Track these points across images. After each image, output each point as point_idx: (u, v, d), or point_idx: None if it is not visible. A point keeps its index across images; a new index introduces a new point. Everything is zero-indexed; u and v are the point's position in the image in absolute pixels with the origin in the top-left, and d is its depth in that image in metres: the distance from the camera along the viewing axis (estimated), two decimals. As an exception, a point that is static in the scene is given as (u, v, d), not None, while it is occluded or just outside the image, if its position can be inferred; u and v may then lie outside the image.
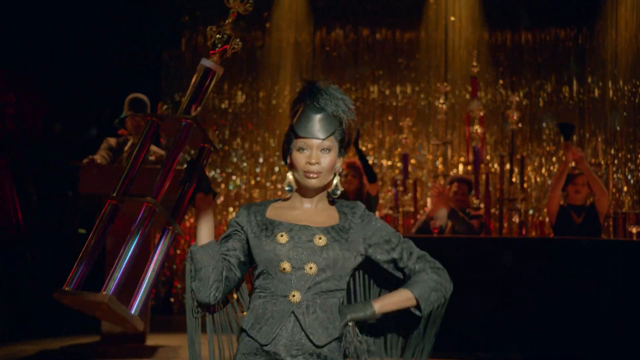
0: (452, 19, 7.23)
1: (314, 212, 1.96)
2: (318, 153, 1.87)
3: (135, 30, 6.72)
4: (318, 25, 7.42)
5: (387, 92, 7.27)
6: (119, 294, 1.70)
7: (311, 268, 1.86)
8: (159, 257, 1.85)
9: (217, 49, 1.96)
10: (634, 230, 4.77)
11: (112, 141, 4.91)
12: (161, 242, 1.86)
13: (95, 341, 4.57)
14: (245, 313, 1.95)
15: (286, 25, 7.32)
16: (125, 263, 1.75)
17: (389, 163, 7.33)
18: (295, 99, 1.97)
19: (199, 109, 1.90)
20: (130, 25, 6.67)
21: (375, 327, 1.97)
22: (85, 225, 5.18)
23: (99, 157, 4.70)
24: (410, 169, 6.79)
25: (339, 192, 1.94)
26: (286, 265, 1.86)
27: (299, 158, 1.88)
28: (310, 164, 1.86)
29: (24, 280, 5.43)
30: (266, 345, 1.83)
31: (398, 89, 7.29)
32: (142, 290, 1.80)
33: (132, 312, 1.77)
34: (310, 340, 1.84)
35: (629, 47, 6.50)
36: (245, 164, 7.31)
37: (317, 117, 1.88)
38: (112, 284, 1.70)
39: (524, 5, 7.07)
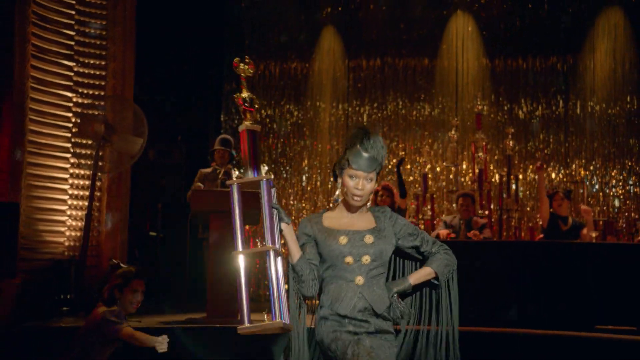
0: (461, 63, 9.00)
1: (358, 218, 2.55)
2: (364, 182, 2.47)
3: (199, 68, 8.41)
4: (350, 57, 9.10)
5: (410, 118, 9.05)
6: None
7: (366, 259, 2.47)
8: (275, 274, 2.34)
9: (247, 108, 2.42)
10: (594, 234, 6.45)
11: (204, 171, 6.32)
12: (270, 264, 2.34)
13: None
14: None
15: (325, 57, 9.09)
16: (276, 289, 2.32)
17: (411, 178, 9.11)
18: (351, 138, 2.51)
19: (265, 166, 2.47)
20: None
21: (411, 297, 2.63)
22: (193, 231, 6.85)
23: (199, 185, 6.26)
24: (430, 182, 8.57)
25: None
26: (349, 259, 2.47)
27: (350, 183, 2.48)
28: (357, 189, 2.47)
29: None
30: (345, 315, 2.44)
31: (418, 117, 9.06)
32: (281, 303, 2.32)
33: (284, 320, 2.31)
34: (373, 309, 2.46)
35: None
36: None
37: (366, 156, 2.46)
38: (279, 312, 2.28)
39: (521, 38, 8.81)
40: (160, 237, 7.93)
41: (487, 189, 7.90)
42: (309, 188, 9.04)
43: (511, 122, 8.81)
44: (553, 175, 8.89)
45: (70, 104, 6.22)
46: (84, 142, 6.22)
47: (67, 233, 6.21)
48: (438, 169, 8.98)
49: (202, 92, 8.73)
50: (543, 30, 8.92)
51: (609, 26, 8.88)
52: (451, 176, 8.76)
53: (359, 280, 2.46)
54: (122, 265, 3.58)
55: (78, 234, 6.18)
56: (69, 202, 6.22)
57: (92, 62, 6.33)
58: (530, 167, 8.86)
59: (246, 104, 2.42)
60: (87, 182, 6.19)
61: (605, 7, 8.85)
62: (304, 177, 9.07)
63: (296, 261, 2.43)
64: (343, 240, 2.47)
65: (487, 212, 7.73)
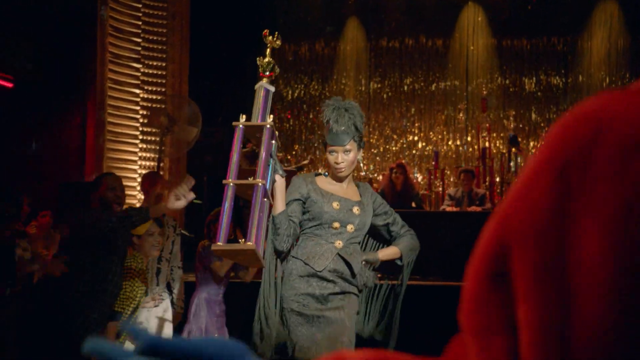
0: (472, 48, 10.07)
1: (347, 189, 2.66)
2: (342, 155, 2.56)
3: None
4: (371, 38, 10.22)
5: (422, 108, 10.21)
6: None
7: (351, 228, 2.58)
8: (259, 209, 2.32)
9: (267, 73, 2.52)
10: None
11: (243, 150, 7.73)
12: (256, 196, 2.35)
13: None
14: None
15: (351, 37, 10.22)
16: (257, 219, 2.29)
17: (426, 153, 10.30)
18: (324, 115, 2.58)
19: (271, 116, 2.49)
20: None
21: (374, 269, 2.70)
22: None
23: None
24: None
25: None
26: (337, 224, 2.56)
27: (330, 158, 2.58)
28: (337, 162, 2.57)
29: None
30: (320, 271, 2.51)
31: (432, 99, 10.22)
32: (258, 232, 2.31)
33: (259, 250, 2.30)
34: (351, 270, 2.55)
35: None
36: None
37: (338, 131, 2.54)
38: (252, 236, 2.27)
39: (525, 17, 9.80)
40: (201, 204, 9.28)
41: (490, 165, 9.08)
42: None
43: (517, 100, 9.90)
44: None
45: (139, 99, 7.53)
46: (151, 131, 7.55)
47: (138, 205, 7.59)
48: (450, 142, 10.12)
49: (239, 80, 9.99)
50: (547, 14, 9.88)
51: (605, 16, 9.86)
52: (461, 149, 9.94)
53: (338, 244, 2.57)
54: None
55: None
56: (139, 180, 7.58)
57: (155, 64, 7.60)
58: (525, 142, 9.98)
59: (266, 71, 2.55)
60: (153, 164, 7.52)
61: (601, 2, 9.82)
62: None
63: (277, 214, 2.50)
64: (336, 205, 2.56)
65: (486, 184, 8.90)
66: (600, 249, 0.40)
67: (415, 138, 10.28)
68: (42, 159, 6.72)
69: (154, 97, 7.58)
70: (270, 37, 2.58)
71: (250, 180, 2.35)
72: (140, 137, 7.52)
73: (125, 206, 3.91)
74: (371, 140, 10.13)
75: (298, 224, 2.59)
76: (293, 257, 2.57)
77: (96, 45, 6.86)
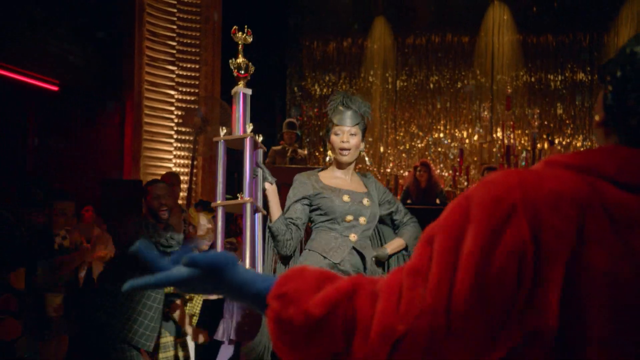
0: (497, 46, 10.21)
1: (351, 180, 2.60)
2: (348, 136, 2.53)
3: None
4: (398, 35, 10.41)
5: (449, 106, 10.39)
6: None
7: (363, 220, 2.54)
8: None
9: (242, 72, 2.43)
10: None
11: (275, 148, 7.65)
12: (246, 215, 2.31)
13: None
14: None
15: (378, 36, 10.45)
16: (250, 237, 2.29)
17: (454, 150, 10.48)
18: (331, 102, 2.57)
19: (251, 125, 2.38)
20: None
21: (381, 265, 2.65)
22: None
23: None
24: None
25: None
26: (350, 217, 2.52)
27: (335, 139, 2.53)
28: (343, 141, 2.52)
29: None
30: (338, 263, 2.47)
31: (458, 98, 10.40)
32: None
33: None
34: (364, 263, 2.53)
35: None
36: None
37: (347, 111, 2.53)
38: (247, 258, 2.27)
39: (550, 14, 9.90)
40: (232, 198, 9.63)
41: (514, 162, 9.23)
42: (361, 152, 10.45)
43: (542, 97, 10.02)
44: (579, 144, 10.10)
45: (173, 100, 7.88)
46: (185, 130, 7.89)
47: (173, 201, 7.97)
48: (475, 139, 10.29)
49: (268, 82, 10.29)
50: (573, 11, 9.95)
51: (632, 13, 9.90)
52: (485, 146, 10.10)
53: (353, 237, 2.53)
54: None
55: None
56: (174, 177, 7.94)
57: (189, 66, 7.94)
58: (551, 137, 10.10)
59: (241, 71, 2.45)
60: (187, 162, 7.87)
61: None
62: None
63: (273, 222, 2.48)
64: (346, 198, 2.53)
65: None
66: (473, 246, 0.79)
67: (441, 135, 10.46)
68: (84, 157, 7.11)
69: (188, 98, 7.92)
70: (240, 34, 2.50)
71: (239, 199, 2.32)
72: (175, 136, 7.87)
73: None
74: (397, 138, 10.35)
75: (301, 225, 2.54)
76: (309, 249, 2.54)
77: (134, 50, 7.22)
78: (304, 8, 10.37)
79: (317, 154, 9.91)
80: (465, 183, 9.50)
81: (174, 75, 7.85)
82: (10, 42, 5.89)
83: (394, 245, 2.68)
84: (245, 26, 2.51)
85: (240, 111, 2.39)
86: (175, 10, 7.72)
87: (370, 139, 10.42)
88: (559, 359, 0.79)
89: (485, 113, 9.66)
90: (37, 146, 6.34)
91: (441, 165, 10.20)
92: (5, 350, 2.90)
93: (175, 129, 7.89)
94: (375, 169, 10.35)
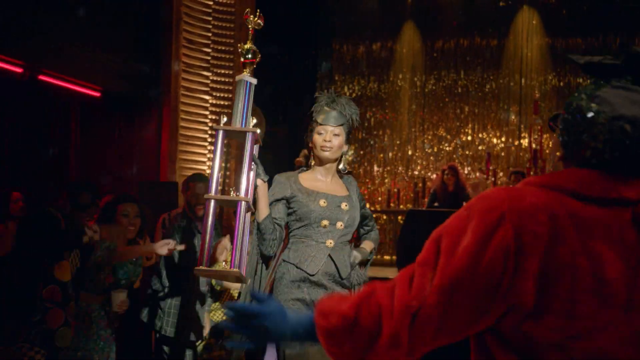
0: (525, 51, 10.28)
1: (332, 183, 2.57)
2: (331, 135, 2.51)
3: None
4: (427, 39, 10.55)
5: (476, 110, 10.50)
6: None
7: (340, 225, 2.50)
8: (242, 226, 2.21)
9: (248, 57, 2.32)
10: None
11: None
12: (239, 214, 2.23)
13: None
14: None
15: (407, 39, 10.61)
16: (243, 244, 2.19)
17: (478, 154, 10.58)
18: (317, 102, 2.54)
19: (253, 119, 2.27)
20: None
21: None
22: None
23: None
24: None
25: (346, 169, 2.56)
26: (326, 222, 2.48)
27: (318, 139, 2.51)
28: (325, 140, 2.51)
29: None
30: (312, 275, 2.44)
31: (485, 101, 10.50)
32: (241, 255, 2.22)
33: (242, 272, 2.23)
34: (339, 273, 2.49)
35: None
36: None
37: (331, 111, 2.52)
38: (237, 262, 2.20)
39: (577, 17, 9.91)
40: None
41: (541, 166, 9.31)
42: (390, 155, 10.62)
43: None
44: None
45: (208, 105, 8.14)
46: (219, 134, 8.14)
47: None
48: (502, 144, 10.39)
49: (298, 80, 10.52)
50: (602, 14, 9.94)
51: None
52: (513, 149, 10.20)
53: (330, 243, 2.50)
54: None
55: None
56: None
57: (223, 72, 8.20)
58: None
59: (248, 56, 2.33)
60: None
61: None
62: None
63: (262, 219, 2.42)
64: (323, 203, 2.49)
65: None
66: (471, 242, 1.08)
67: (469, 138, 10.57)
68: (123, 160, 7.41)
69: (222, 102, 8.18)
70: (252, 17, 2.42)
71: (234, 196, 2.24)
72: (210, 140, 8.14)
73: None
74: (424, 141, 10.50)
75: (283, 226, 2.51)
76: (285, 261, 2.50)
77: (171, 56, 7.49)
78: (334, 13, 10.57)
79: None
80: (492, 186, 9.61)
81: (208, 81, 8.11)
82: (56, 52, 6.21)
83: (369, 247, 2.76)
84: (258, 10, 2.44)
85: (245, 102, 2.23)
86: (210, 19, 7.99)
87: (397, 142, 10.59)
88: (531, 324, 1.07)
89: (513, 117, 9.74)
90: (79, 150, 6.65)
91: (469, 169, 10.31)
92: (48, 336, 3.13)
93: (209, 132, 8.15)
94: (403, 171, 10.51)
